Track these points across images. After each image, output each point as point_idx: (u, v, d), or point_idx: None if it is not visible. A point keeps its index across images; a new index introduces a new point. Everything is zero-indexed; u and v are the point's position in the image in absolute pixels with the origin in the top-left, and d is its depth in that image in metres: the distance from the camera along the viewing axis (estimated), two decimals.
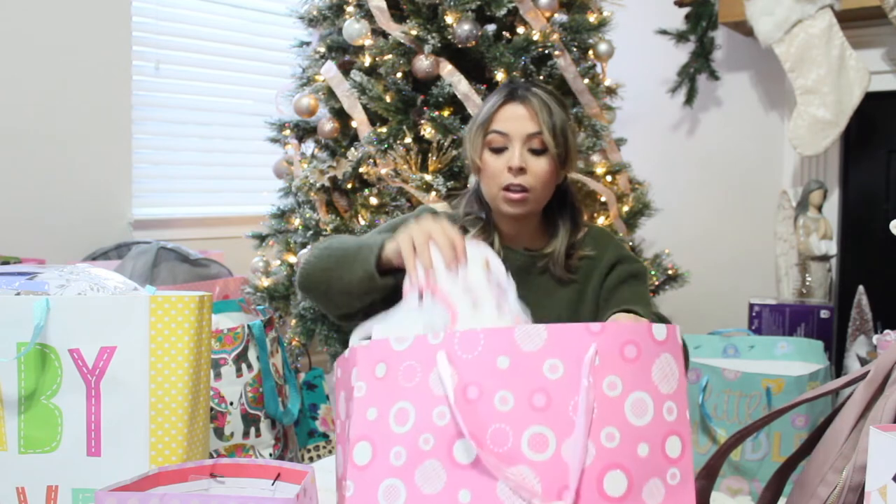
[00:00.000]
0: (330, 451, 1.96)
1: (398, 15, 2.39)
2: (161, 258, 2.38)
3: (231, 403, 1.58)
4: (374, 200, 2.32)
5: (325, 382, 2.05)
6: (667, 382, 0.88)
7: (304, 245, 2.45)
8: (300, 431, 1.94)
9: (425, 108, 2.32)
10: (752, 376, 1.85)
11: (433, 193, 2.22)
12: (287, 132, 2.62)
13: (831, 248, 2.98)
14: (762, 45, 2.91)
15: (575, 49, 2.49)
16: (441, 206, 2.03)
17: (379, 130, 2.31)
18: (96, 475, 1.05)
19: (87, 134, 2.69)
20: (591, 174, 2.48)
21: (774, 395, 1.82)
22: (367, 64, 2.36)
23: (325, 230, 2.34)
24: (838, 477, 0.91)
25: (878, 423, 0.85)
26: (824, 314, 2.69)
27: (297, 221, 2.48)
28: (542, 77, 2.39)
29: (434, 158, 2.26)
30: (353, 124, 2.40)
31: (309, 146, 2.66)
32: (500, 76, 2.29)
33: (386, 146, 2.29)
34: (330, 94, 2.43)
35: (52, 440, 1.06)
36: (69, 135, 2.65)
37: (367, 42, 2.37)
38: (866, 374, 0.95)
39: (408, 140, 2.28)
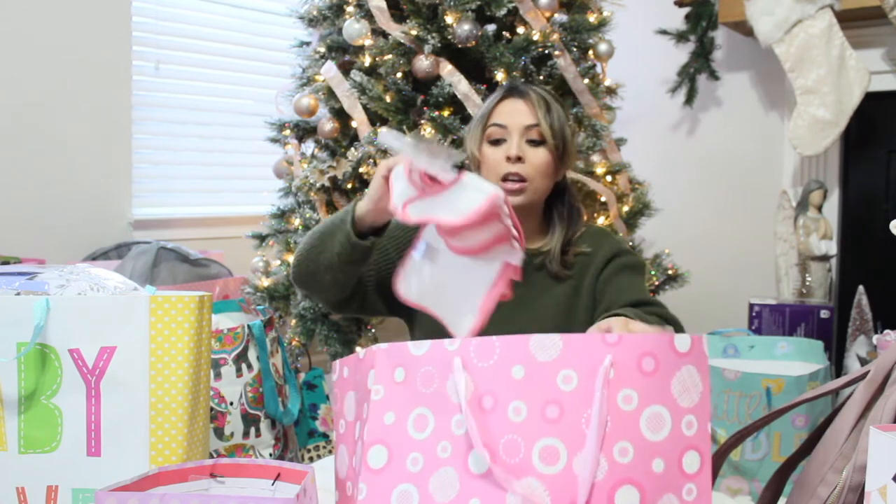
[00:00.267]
0: (330, 451, 1.96)
1: (398, 15, 2.38)
2: (161, 258, 2.38)
3: (231, 403, 1.58)
4: None
5: (325, 382, 2.05)
6: (687, 396, 0.84)
7: None
8: (300, 431, 1.94)
9: (425, 108, 2.32)
10: (752, 376, 1.85)
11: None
12: (287, 132, 2.62)
13: (831, 248, 2.98)
14: (762, 45, 2.91)
15: (575, 49, 2.49)
16: None
17: (379, 130, 2.31)
18: (96, 475, 1.05)
19: (87, 134, 2.69)
20: (591, 174, 2.48)
21: (774, 395, 1.82)
22: (367, 64, 2.36)
23: None
24: (838, 477, 0.91)
25: (878, 423, 0.85)
26: (824, 314, 2.69)
27: (297, 221, 2.48)
28: (542, 77, 2.39)
29: None
30: (353, 124, 2.40)
31: (309, 146, 2.66)
32: (500, 76, 2.29)
33: (386, 146, 2.29)
34: (330, 94, 2.43)
35: (52, 440, 1.06)
36: (69, 135, 2.65)
37: (367, 42, 2.37)
38: (866, 374, 0.95)
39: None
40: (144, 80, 2.90)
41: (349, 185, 2.39)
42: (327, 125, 2.46)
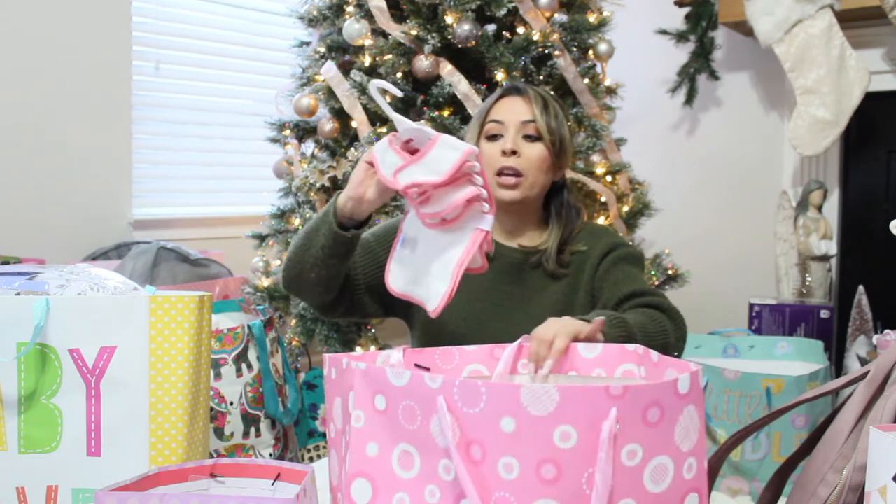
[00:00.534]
0: None
1: (398, 15, 2.38)
2: (161, 258, 2.38)
3: (231, 403, 1.58)
4: None
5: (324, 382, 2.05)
6: (688, 439, 0.79)
7: None
8: (300, 431, 1.94)
9: (425, 108, 2.32)
10: (752, 376, 1.85)
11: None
12: (287, 132, 2.62)
13: (831, 248, 2.98)
14: (762, 45, 2.91)
15: (575, 49, 2.49)
16: None
17: (379, 130, 2.31)
18: (96, 475, 1.05)
19: (87, 134, 2.69)
20: (591, 174, 2.48)
21: (774, 395, 1.82)
22: (367, 64, 2.36)
23: None
24: (838, 477, 0.91)
25: (878, 423, 0.85)
26: (824, 314, 2.69)
27: (297, 221, 2.48)
28: (542, 77, 2.39)
29: None
30: (353, 124, 2.40)
31: (309, 146, 2.66)
32: (500, 76, 2.29)
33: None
34: (330, 94, 2.43)
35: (52, 440, 1.06)
36: (69, 135, 2.65)
37: (367, 42, 2.37)
38: (866, 374, 0.95)
39: None
40: (144, 80, 2.90)
41: None
42: (327, 125, 2.46)
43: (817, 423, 1.07)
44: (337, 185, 2.40)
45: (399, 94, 1.24)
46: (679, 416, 0.78)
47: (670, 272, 2.69)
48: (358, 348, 2.41)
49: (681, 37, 3.30)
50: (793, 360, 2.02)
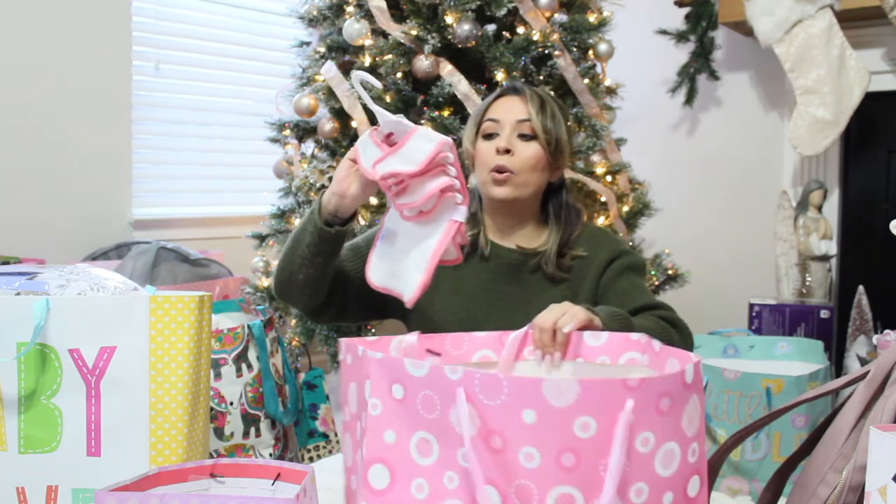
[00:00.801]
0: (330, 451, 1.96)
1: (398, 15, 2.39)
2: (161, 258, 2.38)
3: (231, 403, 1.58)
4: (373, 200, 2.32)
5: (324, 382, 2.05)
6: (692, 425, 0.84)
7: None
8: (300, 431, 1.94)
9: (425, 108, 2.32)
10: (752, 376, 1.85)
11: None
12: (287, 132, 2.63)
13: (831, 248, 2.98)
14: (762, 45, 2.91)
15: (575, 49, 2.49)
16: None
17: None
18: (96, 475, 1.05)
19: (87, 134, 2.69)
20: (591, 174, 2.48)
21: (774, 395, 1.82)
22: (367, 64, 2.36)
23: None
24: (838, 477, 0.91)
25: (878, 423, 0.85)
26: (824, 314, 2.69)
27: (296, 221, 2.49)
28: (542, 77, 2.39)
29: None
30: (353, 124, 2.40)
31: (309, 146, 2.66)
32: (500, 76, 2.29)
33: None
34: (330, 94, 2.43)
35: (52, 440, 1.06)
36: (69, 135, 2.65)
37: (367, 42, 2.37)
38: (866, 374, 0.95)
39: None
40: (144, 80, 2.90)
41: None
42: (327, 125, 2.46)
43: (817, 423, 1.07)
44: None
45: (378, 84, 1.28)
46: (685, 405, 0.83)
47: (670, 272, 2.69)
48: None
49: (681, 37, 3.30)
50: (793, 360, 2.02)
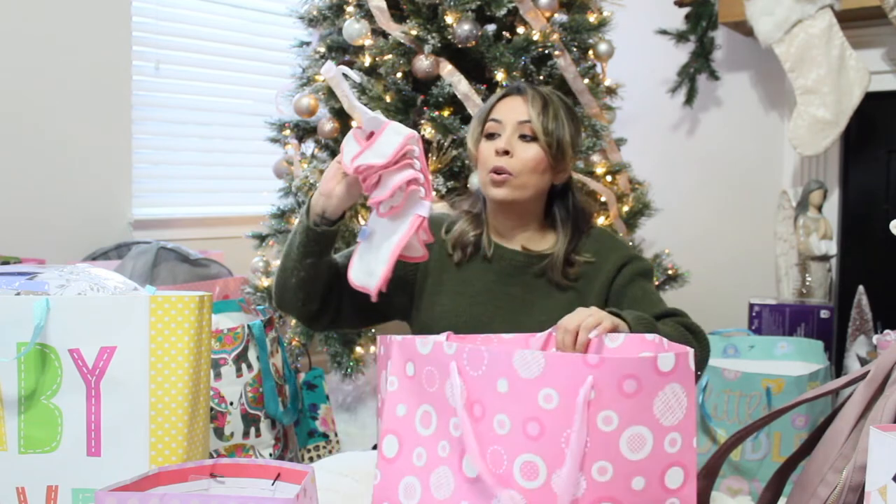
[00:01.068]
0: (330, 451, 1.96)
1: (398, 15, 2.38)
2: (161, 258, 2.38)
3: (231, 403, 1.58)
4: None
5: (324, 382, 2.05)
6: (671, 414, 0.85)
7: None
8: (300, 431, 1.94)
9: (425, 108, 2.32)
10: (752, 376, 1.85)
11: (433, 193, 2.22)
12: (287, 132, 2.62)
13: (831, 248, 2.98)
14: (762, 45, 2.91)
15: (575, 49, 2.49)
16: (441, 206, 2.03)
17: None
18: (96, 475, 1.05)
19: (86, 134, 2.69)
20: (591, 174, 2.48)
21: (774, 395, 1.82)
22: (367, 64, 2.36)
23: None
24: (838, 477, 0.91)
25: (878, 423, 0.85)
26: (824, 314, 2.69)
27: (296, 221, 2.48)
28: (542, 77, 2.39)
29: (434, 158, 2.26)
30: (353, 124, 2.39)
31: (309, 146, 2.66)
32: (500, 76, 2.29)
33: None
34: (330, 94, 2.43)
35: (52, 440, 1.06)
36: (69, 135, 2.65)
37: (367, 42, 2.36)
38: (866, 374, 0.95)
39: None
40: (144, 80, 2.90)
41: None
42: (327, 125, 2.46)
43: (817, 423, 1.07)
44: None
45: (357, 79, 1.34)
46: (659, 391, 0.85)
47: (670, 272, 2.69)
48: (358, 348, 2.41)
49: (681, 37, 3.30)
50: (793, 360, 2.03)
